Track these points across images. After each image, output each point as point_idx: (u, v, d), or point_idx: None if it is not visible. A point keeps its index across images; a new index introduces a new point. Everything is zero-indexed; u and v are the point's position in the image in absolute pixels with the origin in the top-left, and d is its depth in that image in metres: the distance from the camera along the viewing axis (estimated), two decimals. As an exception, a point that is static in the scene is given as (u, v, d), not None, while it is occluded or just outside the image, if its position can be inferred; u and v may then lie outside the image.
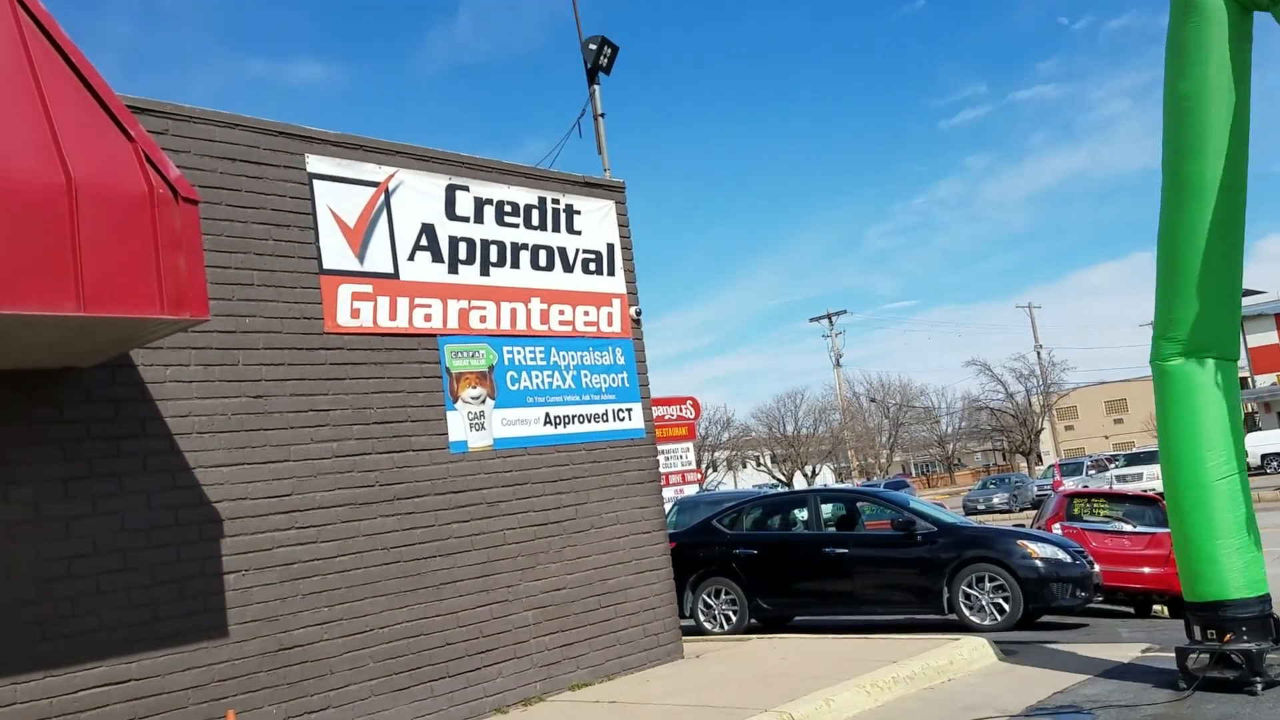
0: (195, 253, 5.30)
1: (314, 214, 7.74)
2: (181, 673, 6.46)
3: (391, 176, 8.31)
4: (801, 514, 13.30)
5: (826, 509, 13.17)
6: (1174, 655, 7.64)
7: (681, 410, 21.52)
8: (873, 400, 75.90)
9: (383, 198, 8.22)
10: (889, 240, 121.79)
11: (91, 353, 5.98)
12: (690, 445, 21.88)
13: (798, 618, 13.09)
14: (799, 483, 68.32)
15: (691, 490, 20.69)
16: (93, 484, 6.32)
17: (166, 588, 6.51)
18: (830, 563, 12.15)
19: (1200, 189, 7.41)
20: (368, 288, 8.00)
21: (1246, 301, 52.59)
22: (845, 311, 66.36)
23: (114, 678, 6.17)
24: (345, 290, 7.84)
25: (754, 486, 58.47)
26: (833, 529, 12.88)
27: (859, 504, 13.35)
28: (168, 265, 5.14)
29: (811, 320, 65.49)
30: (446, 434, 8.33)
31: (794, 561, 12.44)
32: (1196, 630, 7.51)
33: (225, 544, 6.83)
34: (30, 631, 5.93)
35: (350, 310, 7.85)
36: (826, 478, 74.58)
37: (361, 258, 7.99)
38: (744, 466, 75.38)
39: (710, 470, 65.11)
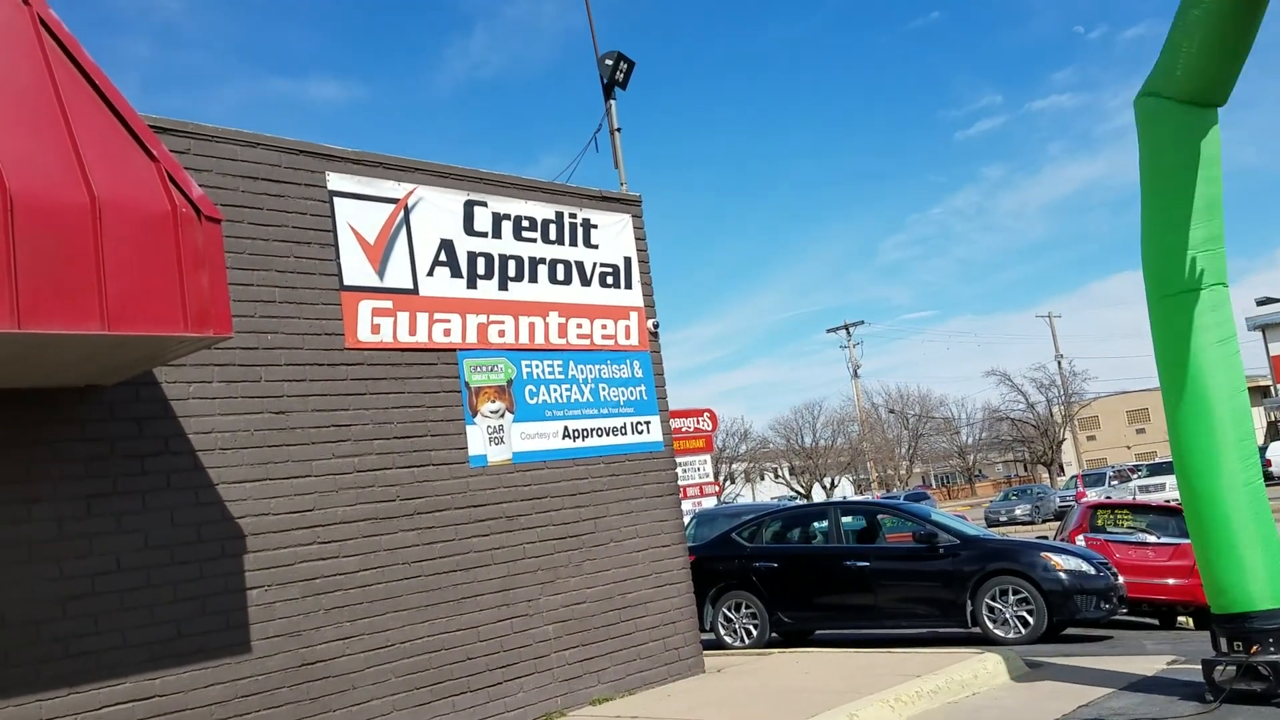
0: (218, 271, 5.35)
1: (334, 231, 7.80)
2: (205, 689, 6.49)
3: (411, 193, 8.37)
4: (821, 527, 13.24)
5: (847, 522, 13.10)
6: (1200, 667, 7.56)
7: (699, 423, 21.51)
8: (891, 411, 75.64)
9: (402, 214, 8.27)
10: (905, 251, 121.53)
11: (115, 370, 6.03)
12: (707, 458, 21.84)
13: (819, 631, 13.03)
14: (818, 495, 68.06)
15: (709, 503, 20.64)
16: (116, 501, 6.37)
17: (189, 604, 6.54)
18: (851, 576, 12.09)
19: None
20: (388, 303, 8.04)
21: (1267, 310, 52.32)
22: (863, 322, 66.34)
23: (138, 694, 6.20)
24: (366, 306, 7.89)
25: (772, 499, 58.25)
26: (853, 542, 12.81)
27: (880, 516, 13.28)
28: (191, 283, 5.19)
29: (829, 331, 65.27)
30: (466, 448, 8.36)
31: (815, 575, 12.38)
32: (1223, 642, 7.42)
33: (248, 560, 6.86)
34: (54, 648, 5.97)
35: (371, 326, 7.90)
36: (845, 490, 74.25)
37: (381, 274, 8.04)
38: (762, 479, 75.16)
39: (728, 483, 64.94)
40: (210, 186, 6.88)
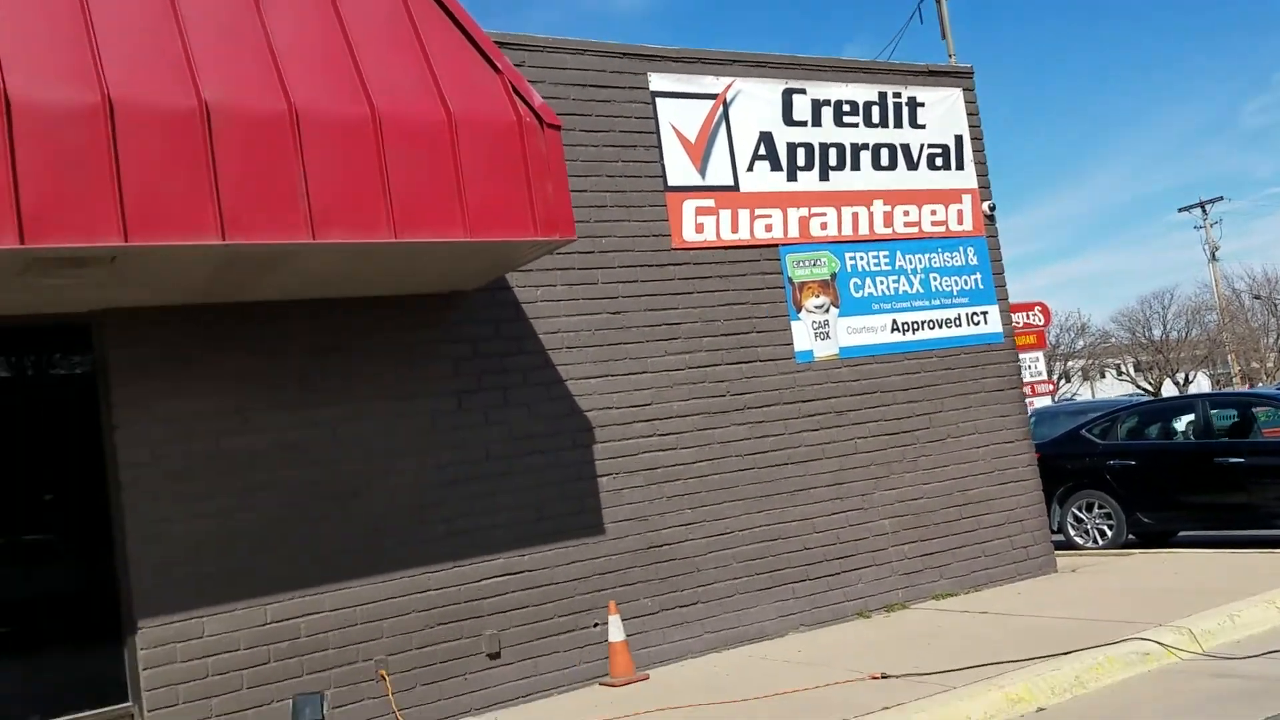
0: (561, 177, 5.60)
1: (657, 132, 7.92)
2: (567, 565, 7.05)
3: (729, 87, 8.30)
4: (1184, 422, 12.04)
5: (1216, 415, 11.81)
6: None
7: (1029, 317, 20.13)
8: (1257, 297, 66.72)
9: (721, 109, 8.24)
10: (1269, 116, 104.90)
11: (473, 276, 6.55)
12: (1040, 355, 20.48)
13: (1182, 533, 11.95)
14: (1168, 392, 62.06)
15: (1041, 403, 19.41)
16: (482, 397, 6.98)
17: (548, 489, 7.10)
18: (1223, 473, 10.90)
19: None
20: (709, 202, 8.10)
21: None
22: (1221, 199, 58.59)
23: (509, 569, 6.86)
24: (689, 206, 7.99)
25: (1120, 397, 53.88)
26: (1224, 438, 11.53)
27: (1255, 409, 11.83)
28: (538, 189, 5.47)
29: (1181, 211, 58.54)
30: (791, 344, 8.34)
31: (1179, 473, 11.31)
32: None
33: (596, 450, 7.31)
34: (439, 528, 6.71)
35: (695, 225, 8.00)
36: (1202, 386, 67.09)
37: (703, 172, 8.09)
38: (1102, 376, 69.59)
39: (1063, 381, 60.77)
40: (545, 97, 7.18)
